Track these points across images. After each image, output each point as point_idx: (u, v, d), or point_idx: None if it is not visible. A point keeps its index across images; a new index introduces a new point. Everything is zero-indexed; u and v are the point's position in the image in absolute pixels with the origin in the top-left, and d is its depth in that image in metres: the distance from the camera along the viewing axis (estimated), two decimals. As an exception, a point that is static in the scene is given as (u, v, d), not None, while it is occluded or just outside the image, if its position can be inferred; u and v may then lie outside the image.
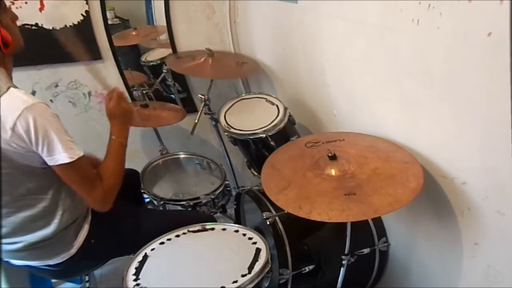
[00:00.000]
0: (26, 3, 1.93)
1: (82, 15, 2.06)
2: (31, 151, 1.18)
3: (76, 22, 2.06)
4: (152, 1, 2.40)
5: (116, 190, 1.36)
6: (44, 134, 1.15)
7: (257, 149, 1.85)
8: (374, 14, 1.31)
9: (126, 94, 1.84)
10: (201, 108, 2.10)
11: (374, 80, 1.43)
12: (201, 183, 1.99)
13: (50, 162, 1.20)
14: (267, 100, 1.94)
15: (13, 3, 1.90)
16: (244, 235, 1.33)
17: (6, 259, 1.37)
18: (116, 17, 2.33)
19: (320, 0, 1.59)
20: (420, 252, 1.55)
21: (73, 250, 1.38)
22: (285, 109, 1.83)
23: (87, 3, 2.06)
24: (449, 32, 1.03)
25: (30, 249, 1.32)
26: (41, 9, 1.97)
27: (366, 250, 1.58)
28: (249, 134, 1.78)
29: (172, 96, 2.54)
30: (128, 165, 1.48)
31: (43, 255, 1.36)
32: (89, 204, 1.36)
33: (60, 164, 1.20)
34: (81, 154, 1.23)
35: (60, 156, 1.19)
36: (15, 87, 1.19)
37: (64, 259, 1.37)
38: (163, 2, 2.25)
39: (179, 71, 2.11)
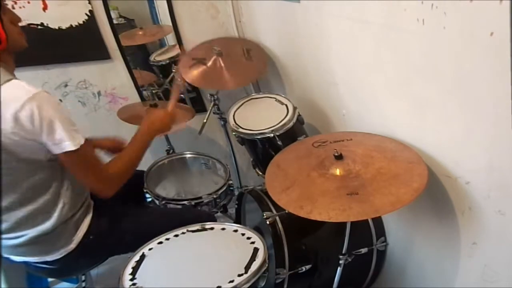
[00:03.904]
0: (28, 2, 1.94)
1: (86, 14, 2.07)
2: (35, 141, 1.18)
3: (81, 22, 2.07)
4: (155, 1, 2.40)
5: (123, 179, 1.37)
6: (48, 122, 1.15)
7: (263, 149, 1.83)
8: (378, 14, 1.29)
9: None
10: (210, 108, 2.09)
11: (382, 80, 1.41)
12: (205, 183, 1.98)
13: (56, 150, 1.20)
14: (276, 100, 1.92)
15: (15, 3, 1.91)
16: (243, 234, 1.31)
17: (6, 255, 1.38)
18: (120, 16, 2.34)
19: (323, 0, 1.57)
20: (418, 251, 1.54)
21: (72, 246, 1.38)
22: (294, 108, 1.81)
23: (89, 3, 2.06)
24: (455, 32, 1.02)
25: (31, 244, 1.33)
26: (44, 9, 1.99)
27: (363, 250, 1.56)
28: (256, 134, 1.76)
29: (182, 95, 2.53)
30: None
31: (43, 250, 1.37)
32: (92, 188, 1.37)
33: (66, 152, 1.20)
34: (83, 141, 1.23)
35: (65, 144, 1.19)
36: (17, 79, 1.19)
37: (62, 255, 1.38)
38: (165, 2, 2.24)
39: (193, 83, 2.04)
